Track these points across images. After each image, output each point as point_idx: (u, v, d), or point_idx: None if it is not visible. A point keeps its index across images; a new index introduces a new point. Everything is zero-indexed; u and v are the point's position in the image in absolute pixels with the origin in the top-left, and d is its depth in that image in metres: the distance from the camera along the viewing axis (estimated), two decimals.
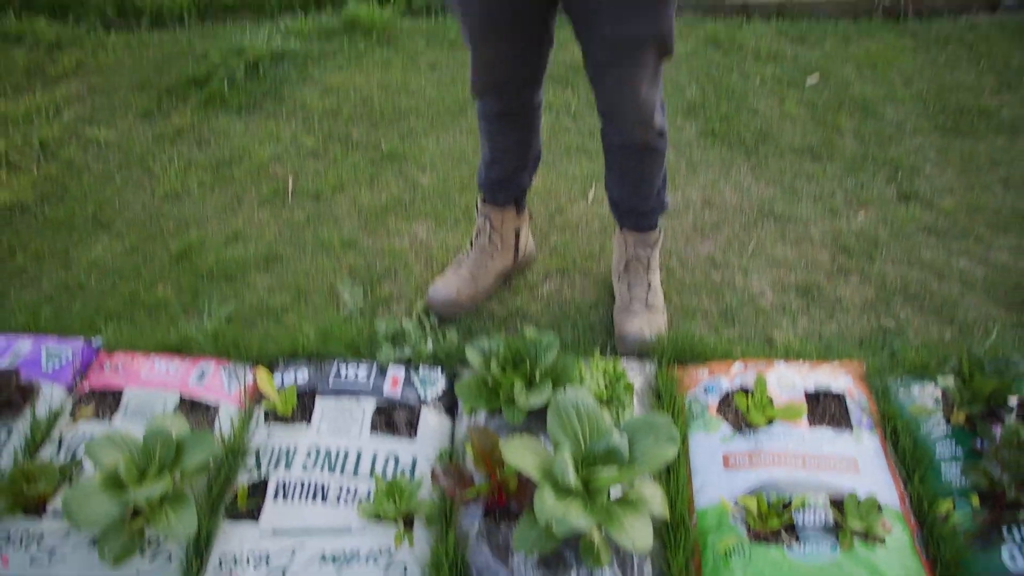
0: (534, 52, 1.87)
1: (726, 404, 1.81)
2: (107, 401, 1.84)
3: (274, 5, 3.70)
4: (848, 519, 1.52)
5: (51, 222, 2.60)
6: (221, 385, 1.91)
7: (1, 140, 2.95)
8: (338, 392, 1.85)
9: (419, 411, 1.83)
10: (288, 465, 1.69)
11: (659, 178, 2.04)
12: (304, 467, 1.68)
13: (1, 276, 2.41)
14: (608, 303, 2.20)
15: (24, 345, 1.97)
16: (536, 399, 1.69)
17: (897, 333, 2.14)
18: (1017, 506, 1.53)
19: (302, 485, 1.65)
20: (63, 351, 1.95)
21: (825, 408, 1.80)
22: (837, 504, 1.56)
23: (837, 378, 1.86)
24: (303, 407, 1.84)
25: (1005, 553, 1.48)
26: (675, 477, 1.66)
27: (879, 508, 1.53)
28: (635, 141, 1.91)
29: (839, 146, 2.83)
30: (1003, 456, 1.56)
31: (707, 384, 1.85)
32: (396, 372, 1.92)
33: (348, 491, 1.64)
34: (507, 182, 2.14)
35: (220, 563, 1.53)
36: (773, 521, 1.54)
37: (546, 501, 1.38)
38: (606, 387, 1.75)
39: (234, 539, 1.57)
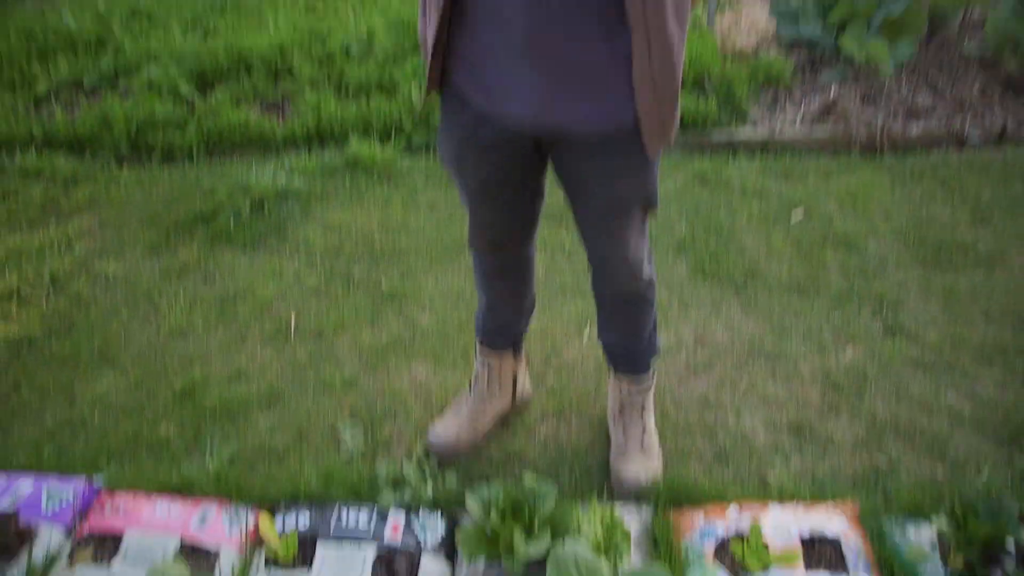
0: (528, 208, 1.95)
1: (723, 550, 1.83)
2: (106, 545, 1.85)
3: (279, 142, 3.85)
4: None
5: (57, 357, 2.65)
6: (222, 529, 1.91)
7: (14, 274, 3.02)
8: (339, 538, 1.87)
9: (419, 558, 1.84)
10: None
11: (649, 323, 2.11)
12: None
13: (5, 411, 2.44)
14: (604, 444, 2.24)
15: (25, 485, 1.99)
16: (535, 549, 1.70)
17: (889, 471, 2.18)
18: None
19: None
20: (64, 492, 1.97)
21: (821, 553, 1.82)
22: None
23: (832, 521, 1.88)
24: (304, 553, 1.85)
25: None
26: None
27: None
28: (625, 291, 1.99)
29: (825, 281, 2.91)
30: None
31: (703, 530, 1.88)
32: (396, 518, 1.93)
33: None
34: (504, 328, 2.21)
35: None
36: None
37: None
38: (603, 536, 1.78)
39: None
